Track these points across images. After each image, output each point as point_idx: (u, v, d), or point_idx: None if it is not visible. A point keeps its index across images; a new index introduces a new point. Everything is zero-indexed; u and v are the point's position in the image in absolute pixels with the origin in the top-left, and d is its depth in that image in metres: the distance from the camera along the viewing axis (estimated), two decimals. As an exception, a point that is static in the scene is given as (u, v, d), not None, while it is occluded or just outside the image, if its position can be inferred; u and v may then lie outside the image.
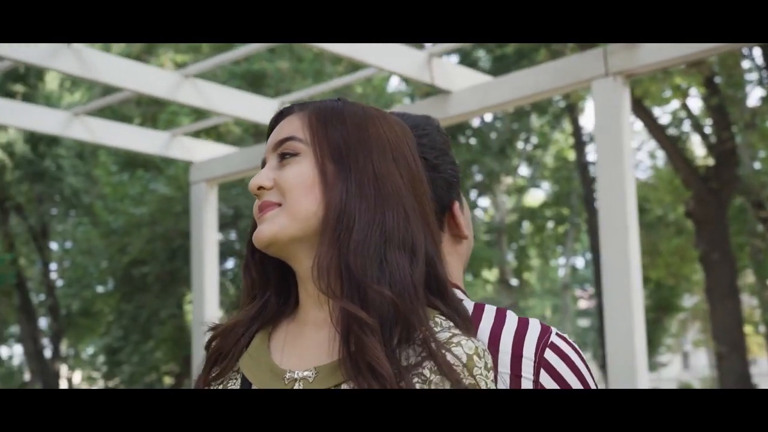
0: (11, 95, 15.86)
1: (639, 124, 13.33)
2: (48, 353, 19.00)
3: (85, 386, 23.08)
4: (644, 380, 3.56)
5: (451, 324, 1.18)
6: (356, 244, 1.14)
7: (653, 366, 25.38)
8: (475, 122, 18.41)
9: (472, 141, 18.65)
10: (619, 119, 3.74)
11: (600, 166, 3.79)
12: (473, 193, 20.48)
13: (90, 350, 21.60)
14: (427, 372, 1.12)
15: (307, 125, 1.22)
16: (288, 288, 1.27)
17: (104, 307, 16.66)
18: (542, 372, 1.27)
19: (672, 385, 32.54)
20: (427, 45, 4.72)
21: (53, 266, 19.83)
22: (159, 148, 5.14)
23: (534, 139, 21.10)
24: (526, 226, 22.27)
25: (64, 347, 20.98)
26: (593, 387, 1.31)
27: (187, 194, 13.79)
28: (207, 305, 4.95)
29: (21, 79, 15.79)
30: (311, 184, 1.18)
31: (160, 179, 13.69)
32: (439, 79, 4.24)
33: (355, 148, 1.20)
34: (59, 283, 19.52)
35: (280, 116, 1.28)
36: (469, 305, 1.34)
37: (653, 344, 21.98)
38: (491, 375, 1.15)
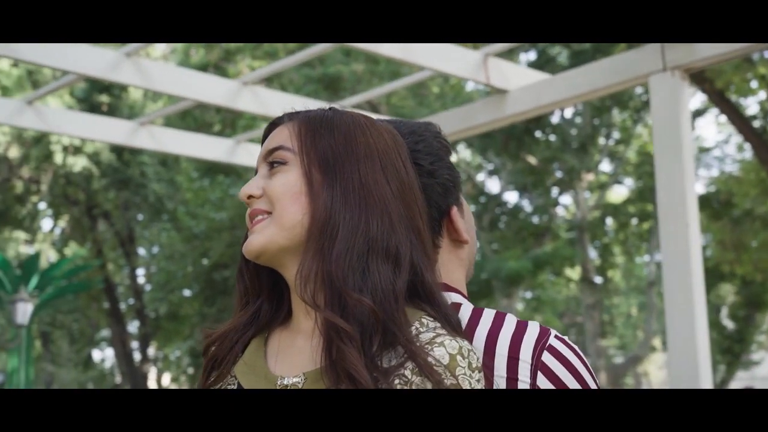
0: (98, 106, 16.36)
1: (723, 117, 12.98)
2: (137, 356, 19.51)
3: (174, 387, 23.59)
4: (707, 381, 3.47)
5: (438, 325, 1.18)
6: (339, 254, 1.16)
7: (746, 364, 24.65)
8: (554, 118, 18.21)
9: (552, 138, 18.43)
10: (678, 115, 3.66)
11: (659, 163, 3.71)
12: (554, 191, 20.24)
13: (177, 353, 22.08)
14: (408, 373, 1.12)
15: (296, 135, 1.24)
16: (281, 295, 1.29)
17: (189, 311, 17.00)
18: (539, 375, 1.26)
19: (766, 384, 31.54)
20: (482, 45, 4.69)
21: (140, 271, 20.35)
22: (224, 155, 5.23)
23: (616, 134, 20.73)
24: (610, 223, 21.89)
25: (152, 350, 21.50)
26: (593, 388, 1.29)
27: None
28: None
29: (106, 90, 16.25)
30: (298, 193, 1.20)
31: (240, 184, 13.93)
32: (494, 78, 4.21)
33: (341, 158, 1.21)
34: (147, 287, 20.02)
35: (273, 126, 1.30)
36: (467, 309, 1.34)
37: (745, 342, 21.36)
38: (477, 375, 1.15)
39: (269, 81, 16.33)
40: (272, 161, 1.25)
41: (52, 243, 22.37)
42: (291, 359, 1.22)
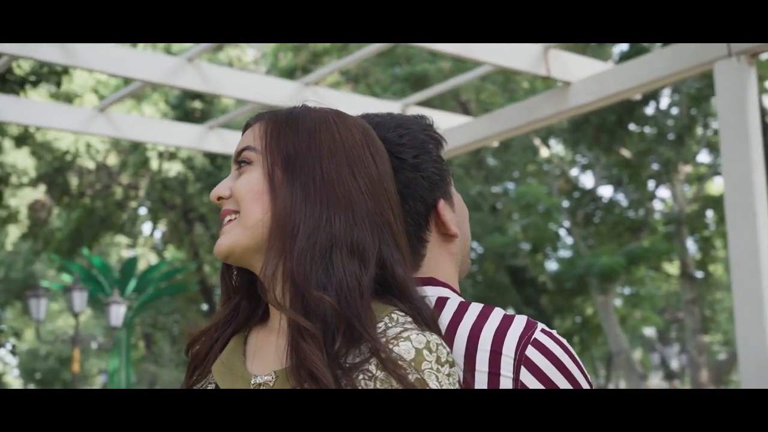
0: (191, 112, 16.76)
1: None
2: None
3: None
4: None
5: (408, 320, 1.17)
6: (300, 251, 1.15)
7: None
8: (649, 110, 17.78)
9: (646, 129, 18.00)
10: (745, 101, 3.53)
11: (725, 152, 3.58)
12: (650, 184, 19.76)
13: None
14: (372, 368, 1.11)
15: (261, 134, 1.24)
16: (258, 293, 1.29)
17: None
18: (523, 369, 1.22)
19: None
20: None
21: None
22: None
23: (714, 124, 20.10)
24: (710, 216, 21.24)
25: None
26: (582, 383, 1.25)
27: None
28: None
29: (198, 97, 16.63)
30: (260, 192, 1.20)
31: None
32: (555, 71, 4.13)
33: (303, 154, 1.21)
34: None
35: (246, 128, 1.30)
36: (453, 304, 1.32)
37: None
38: (446, 369, 1.12)
39: (356, 81, 16.46)
40: (240, 161, 1.25)
41: (152, 247, 23.03)
42: (265, 357, 1.22)
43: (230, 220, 1.24)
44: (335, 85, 16.21)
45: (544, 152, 19.22)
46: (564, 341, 1.28)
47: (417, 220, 1.36)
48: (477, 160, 17.83)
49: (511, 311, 15.51)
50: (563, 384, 1.23)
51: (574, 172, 21.33)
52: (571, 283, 17.55)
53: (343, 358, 1.12)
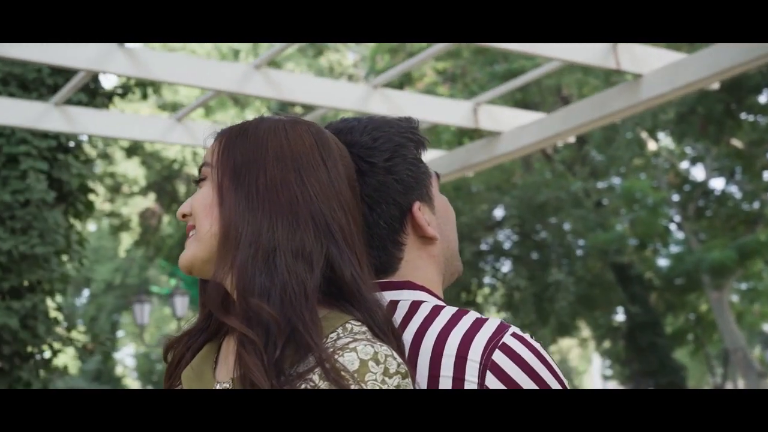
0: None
1: None
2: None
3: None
4: None
5: (364, 330, 1.16)
6: (243, 259, 1.16)
7: None
8: (762, 98, 17.11)
9: (760, 119, 17.33)
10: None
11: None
12: (765, 175, 19.01)
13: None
14: (316, 378, 1.10)
15: (215, 149, 1.27)
16: None
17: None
18: (489, 374, 1.19)
19: None
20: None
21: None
22: None
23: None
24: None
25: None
26: (554, 387, 1.21)
27: (456, 196, 14.01)
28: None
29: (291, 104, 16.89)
30: (210, 205, 1.23)
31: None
32: (625, 63, 4.02)
33: (248, 163, 1.22)
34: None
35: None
36: (426, 308, 1.30)
37: None
38: (394, 381, 1.10)
39: (453, 80, 16.39)
40: (199, 179, 1.29)
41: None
42: (228, 364, 1.24)
43: (191, 236, 1.26)
44: (433, 86, 16.20)
45: (651, 145, 18.73)
46: (536, 345, 1.24)
47: (391, 224, 1.35)
48: (581, 156, 17.51)
49: (619, 309, 15.08)
50: (529, 386, 1.19)
51: (683, 164, 20.70)
52: (681, 280, 17.04)
53: (288, 366, 1.12)
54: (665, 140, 20.04)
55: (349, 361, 1.09)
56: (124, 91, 7.05)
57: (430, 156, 5.23)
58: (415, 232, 1.37)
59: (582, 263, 15.53)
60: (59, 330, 7.10)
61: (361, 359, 1.09)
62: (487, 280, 16.78)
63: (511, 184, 15.71)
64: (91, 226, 23.20)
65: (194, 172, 17.71)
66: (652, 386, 15.64)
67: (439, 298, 1.36)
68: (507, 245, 16.55)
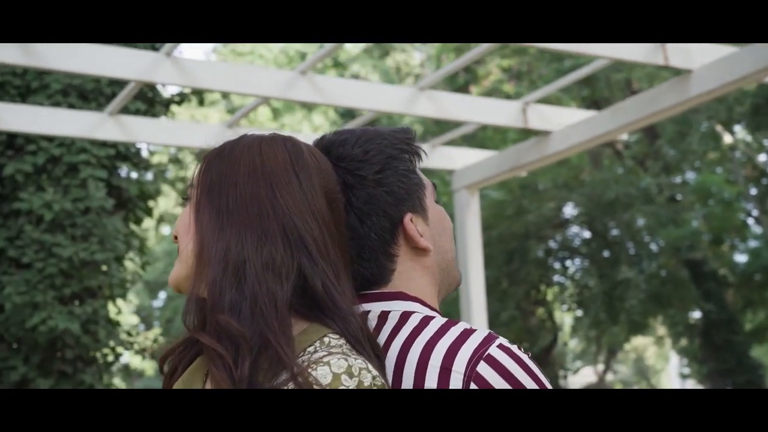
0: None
1: None
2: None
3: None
4: None
5: (342, 343, 1.16)
6: (214, 274, 1.18)
7: None
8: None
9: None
10: None
11: None
12: None
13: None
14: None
15: (197, 170, 1.29)
16: None
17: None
18: (472, 386, 1.18)
19: None
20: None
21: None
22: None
23: None
24: None
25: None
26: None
27: (522, 195, 13.91)
28: (474, 311, 4.99)
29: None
30: (188, 225, 1.26)
31: (491, 185, 13.99)
32: (674, 59, 3.94)
33: (221, 181, 1.24)
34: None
35: None
36: (416, 319, 1.30)
37: None
38: None
39: (518, 78, 16.26)
40: (184, 199, 1.32)
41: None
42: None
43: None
44: (498, 83, 16.09)
45: (727, 138, 18.28)
46: (523, 357, 1.23)
47: (382, 235, 1.35)
48: (653, 151, 17.18)
49: (693, 307, 14.69)
50: None
51: (761, 157, 20.15)
52: (760, 275, 16.59)
53: (263, 379, 1.12)
54: (741, 133, 19.54)
55: (322, 374, 1.09)
56: (181, 98, 7.19)
57: (480, 156, 5.20)
58: (408, 244, 1.37)
59: (654, 260, 15.23)
60: (122, 335, 7.27)
61: (334, 373, 1.10)
62: (556, 278, 16.60)
63: (579, 181, 15.50)
64: (164, 229, 23.66)
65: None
66: (729, 385, 15.26)
67: (433, 309, 1.36)
68: (576, 243, 16.34)
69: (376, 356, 1.20)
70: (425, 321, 1.28)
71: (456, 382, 1.18)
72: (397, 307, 1.32)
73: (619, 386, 31.84)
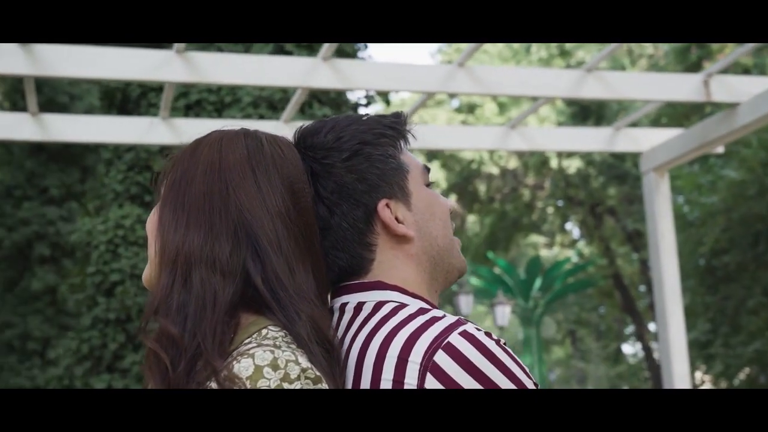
0: (588, 114, 16.71)
1: None
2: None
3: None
4: None
5: (280, 335, 1.14)
6: (165, 275, 1.19)
7: None
8: None
9: None
10: None
11: None
12: None
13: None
14: (214, 386, 1.10)
15: (165, 167, 1.30)
16: None
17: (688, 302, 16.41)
18: (428, 376, 1.12)
19: None
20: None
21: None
22: (604, 144, 5.09)
23: None
24: None
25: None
26: (505, 386, 1.13)
27: (764, 173, 12.98)
28: (668, 302, 4.71)
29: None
30: (153, 226, 1.27)
31: (731, 164, 13.14)
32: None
33: (179, 180, 1.25)
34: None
35: None
36: (388, 308, 1.24)
37: None
38: (297, 386, 1.08)
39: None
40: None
41: (568, 243, 23.19)
42: None
43: None
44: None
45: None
46: (487, 343, 1.15)
47: (355, 224, 1.31)
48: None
49: None
50: (472, 386, 1.11)
51: None
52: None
53: (198, 380, 1.11)
54: None
55: (244, 367, 1.08)
56: (368, 101, 7.32)
57: (665, 135, 4.91)
58: (388, 232, 1.31)
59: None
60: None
61: (257, 365, 1.08)
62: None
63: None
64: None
65: (493, 170, 17.89)
66: None
67: (417, 298, 1.29)
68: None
69: (326, 350, 1.16)
70: (395, 310, 1.23)
71: (412, 373, 1.13)
72: (372, 297, 1.28)
73: None
